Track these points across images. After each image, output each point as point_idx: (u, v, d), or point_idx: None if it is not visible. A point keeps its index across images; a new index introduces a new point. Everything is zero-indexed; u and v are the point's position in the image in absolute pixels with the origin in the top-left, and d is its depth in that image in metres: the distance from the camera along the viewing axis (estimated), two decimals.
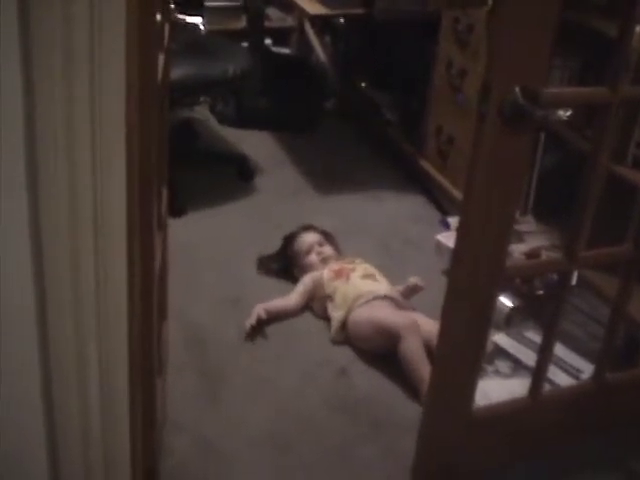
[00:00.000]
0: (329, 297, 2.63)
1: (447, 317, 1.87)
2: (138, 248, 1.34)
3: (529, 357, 2.41)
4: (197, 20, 3.54)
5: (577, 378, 2.41)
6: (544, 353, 2.05)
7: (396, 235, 3.15)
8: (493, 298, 1.89)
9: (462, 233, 1.79)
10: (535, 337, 2.51)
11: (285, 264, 2.86)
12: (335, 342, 2.55)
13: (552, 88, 1.87)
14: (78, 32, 1.09)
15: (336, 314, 2.58)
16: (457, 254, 1.81)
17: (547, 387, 2.17)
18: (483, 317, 1.88)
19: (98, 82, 1.12)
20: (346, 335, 2.55)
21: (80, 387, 1.28)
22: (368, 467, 2.11)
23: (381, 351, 2.48)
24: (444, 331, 1.90)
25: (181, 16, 3.38)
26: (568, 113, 2.75)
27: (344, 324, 2.55)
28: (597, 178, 1.85)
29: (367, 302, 2.55)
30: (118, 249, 1.26)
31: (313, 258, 2.80)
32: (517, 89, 1.59)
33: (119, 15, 1.09)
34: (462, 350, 1.90)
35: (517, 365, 2.47)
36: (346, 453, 2.15)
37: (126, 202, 1.24)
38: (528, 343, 2.53)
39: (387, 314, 2.50)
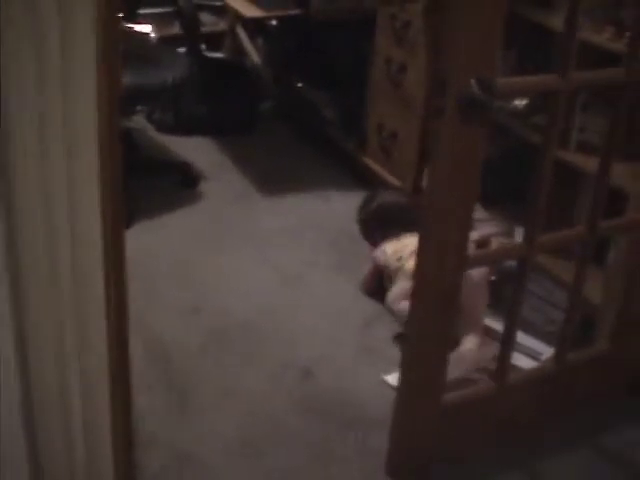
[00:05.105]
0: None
1: (415, 308, 1.90)
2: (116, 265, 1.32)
3: None
4: (147, 29, 3.48)
5: (537, 360, 2.46)
6: (507, 340, 2.08)
7: (344, 232, 3.15)
8: (459, 286, 1.91)
9: (426, 225, 1.80)
10: (493, 323, 2.55)
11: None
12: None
13: (503, 78, 1.90)
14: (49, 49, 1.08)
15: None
16: (422, 247, 1.82)
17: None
18: (449, 306, 1.91)
19: (71, 93, 1.10)
20: None
21: (62, 413, 1.26)
22: (343, 465, 2.12)
23: None
24: (412, 324, 1.92)
25: (129, 25, 3.33)
26: (524, 102, 2.80)
27: None
28: (550, 163, 1.89)
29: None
30: (95, 260, 1.25)
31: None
32: (473, 81, 1.61)
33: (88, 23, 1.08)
34: (431, 339, 1.93)
35: None
36: (320, 453, 2.15)
37: (100, 211, 1.22)
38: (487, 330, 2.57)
39: None
